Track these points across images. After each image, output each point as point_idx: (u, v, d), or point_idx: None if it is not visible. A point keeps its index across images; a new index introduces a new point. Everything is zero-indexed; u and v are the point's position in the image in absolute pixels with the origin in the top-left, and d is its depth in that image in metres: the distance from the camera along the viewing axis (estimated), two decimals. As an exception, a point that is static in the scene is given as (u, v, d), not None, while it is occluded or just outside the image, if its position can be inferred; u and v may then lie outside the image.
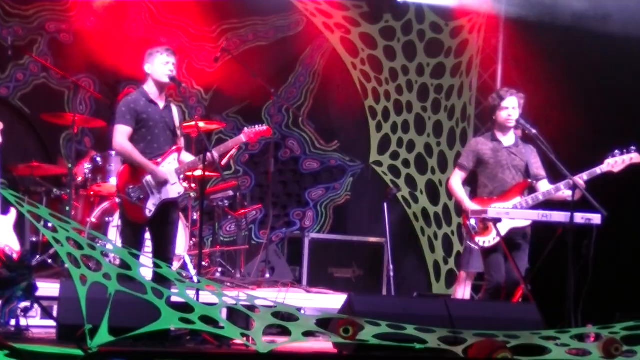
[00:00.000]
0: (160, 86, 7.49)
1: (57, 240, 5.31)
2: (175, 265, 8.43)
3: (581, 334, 6.55)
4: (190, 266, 8.87)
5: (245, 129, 8.14)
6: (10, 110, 9.67)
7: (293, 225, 10.85)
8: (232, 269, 9.62)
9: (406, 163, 11.15)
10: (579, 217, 7.34)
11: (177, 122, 7.56)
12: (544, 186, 7.73)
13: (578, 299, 7.18)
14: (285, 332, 5.53)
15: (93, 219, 8.75)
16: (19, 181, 9.13)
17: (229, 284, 8.81)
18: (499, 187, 7.73)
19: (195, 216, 9.11)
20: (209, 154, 7.31)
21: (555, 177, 7.85)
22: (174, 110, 7.59)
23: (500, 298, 7.60)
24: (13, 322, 6.49)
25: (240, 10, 10.53)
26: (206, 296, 6.32)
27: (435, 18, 11.15)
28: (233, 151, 9.31)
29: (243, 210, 9.93)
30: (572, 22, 9.62)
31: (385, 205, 9.45)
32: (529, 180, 7.75)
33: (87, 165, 9.03)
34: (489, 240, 7.58)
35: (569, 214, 7.30)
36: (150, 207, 7.36)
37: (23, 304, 6.45)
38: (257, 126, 8.16)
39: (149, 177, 7.39)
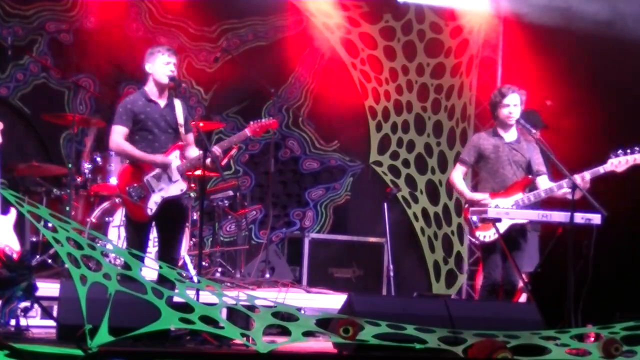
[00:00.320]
0: (161, 86, 7.49)
1: (57, 240, 5.31)
2: (175, 265, 8.43)
3: (581, 334, 6.56)
4: (190, 266, 8.87)
5: (251, 122, 7.85)
6: (10, 110, 9.67)
7: (293, 225, 10.85)
8: (232, 269, 9.62)
9: (406, 163, 11.15)
10: (579, 217, 7.34)
11: (180, 120, 7.54)
12: (543, 182, 7.74)
13: (578, 299, 7.18)
14: (285, 332, 5.53)
15: (93, 219, 8.75)
16: (19, 181, 9.13)
17: (229, 284, 8.81)
18: (500, 182, 7.75)
19: (195, 216, 9.11)
20: (209, 154, 7.30)
21: (556, 176, 7.85)
22: (178, 107, 7.55)
23: (497, 296, 7.61)
24: (13, 322, 6.49)
25: (240, 10, 10.52)
26: (206, 296, 6.33)
27: (435, 18, 11.15)
28: (233, 151, 9.30)
29: (243, 210, 9.93)
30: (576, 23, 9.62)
31: (385, 205, 9.45)
32: (531, 177, 7.76)
33: (87, 165, 9.03)
34: (489, 234, 7.59)
35: (569, 213, 7.30)
36: (152, 205, 7.36)
37: (23, 304, 6.46)
38: (262, 119, 7.94)
39: (149, 176, 7.40)
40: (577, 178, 7.41)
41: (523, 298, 8.06)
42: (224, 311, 6.65)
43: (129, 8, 10.15)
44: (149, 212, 7.36)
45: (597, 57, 9.73)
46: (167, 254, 7.33)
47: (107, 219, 8.72)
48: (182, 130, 7.54)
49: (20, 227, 8.23)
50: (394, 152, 11.14)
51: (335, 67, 10.95)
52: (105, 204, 8.82)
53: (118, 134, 7.42)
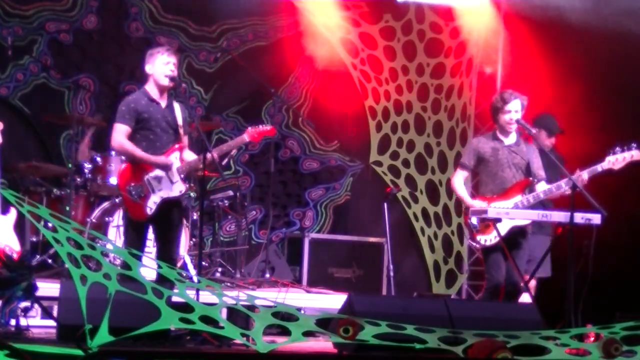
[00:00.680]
0: (161, 87, 7.48)
1: (57, 240, 5.31)
2: (175, 265, 8.44)
3: (581, 334, 6.56)
4: (190, 266, 8.86)
5: (249, 128, 7.94)
6: (10, 110, 9.67)
7: (293, 225, 10.84)
8: (232, 269, 9.61)
9: (406, 163, 11.14)
10: (579, 217, 7.34)
11: (179, 121, 7.55)
12: (542, 188, 7.72)
13: (578, 299, 7.18)
14: (285, 332, 5.53)
15: (93, 219, 8.75)
16: (19, 181, 9.13)
17: (229, 284, 8.81)
18: (499, 185, 7.75)
19: (195, 216, 9.11)
20: (209, 154, 7.31)
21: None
22: (177, 108, 7.57)
23: (500, 297, 7.61)
24: (13, 322, 6.49)
25: (240, 10, 10.51)
26: (206, 296, 6.33)
27: (435, 18, 11.14)
28: (233, 151, 9.30)
29: (243, 211, 9.92)
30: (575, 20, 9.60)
31: (385, 205, 9.44)
32: (530, 179, 7.76)
33: (87, 165, 9.03)
34: (490, 238, 7.59)
35: (568, 213, 7.30)
36: (151, 205, 7.37)
37: (23, 304, 6.46)
38: (260, 126, 7.99)
39: (150, 176, 7.40)
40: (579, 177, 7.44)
41: (523, 298, 8.05)
42: (224, 311, 6.65)
43: (129, 8, 10.15)
44: (149, 212, 7.36)
45: (598, 56, 9.73)
46: (166, 255, 7.32)
47: (107, 219, 8.72)
48: (181, 131, 7.55)
49: (20, 227, 8.23)
50: (394, 152, 11.13)
51: (335, 67, 10.94)
52: (105, 204, 8.82)
53: (120, 133, 7.41)
